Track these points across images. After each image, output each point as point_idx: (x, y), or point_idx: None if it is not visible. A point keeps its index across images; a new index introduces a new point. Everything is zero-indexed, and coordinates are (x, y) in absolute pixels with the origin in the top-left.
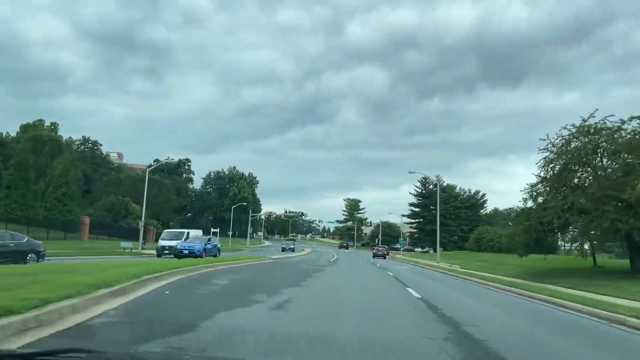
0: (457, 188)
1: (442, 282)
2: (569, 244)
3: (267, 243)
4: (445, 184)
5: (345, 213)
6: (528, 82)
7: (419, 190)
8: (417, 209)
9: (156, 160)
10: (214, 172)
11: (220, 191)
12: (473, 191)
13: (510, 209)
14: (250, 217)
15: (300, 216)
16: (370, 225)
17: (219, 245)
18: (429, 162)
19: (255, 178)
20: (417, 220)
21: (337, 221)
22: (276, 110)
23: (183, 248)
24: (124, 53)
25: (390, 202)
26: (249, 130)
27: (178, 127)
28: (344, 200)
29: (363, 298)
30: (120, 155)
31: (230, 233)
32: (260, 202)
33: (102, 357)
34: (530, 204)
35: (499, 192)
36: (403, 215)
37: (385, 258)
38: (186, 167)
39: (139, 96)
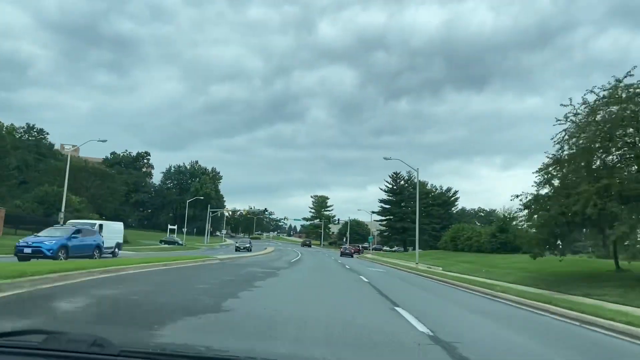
0: (428, 185)
1: (439, 294)
2: (592, 242)
3: (228, 241)
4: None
5: (313, 210)
6: (492, 86)
7: (390, 186)
8: (387, 206)
9: (113, 154)
10: (174, 167)
11: (181, 186)
12: (444, 188)
13: (479, 208)
14: (209, 213)
15: (264, 213)
16: (338, 223)
17: (100, 241)
18: (396, 163)
19: (219, 173)
20: (387, 218)
21: (304, 219)
22: (244, 107)
23: (24, 245)
24: (88, 45)
25: (357, 202)
26: (216, 128)
27: (144, 122)
28: (311, 197)
29: (328, 338)
30: (76, 148)
31: (184, 229)
32: (224, 199)
33: (62, 338)
34: (546, 190)
35: (465, 193)
36: (373, 212)
37: (352, 257)
38: (145, 160)
39: (103, 90)
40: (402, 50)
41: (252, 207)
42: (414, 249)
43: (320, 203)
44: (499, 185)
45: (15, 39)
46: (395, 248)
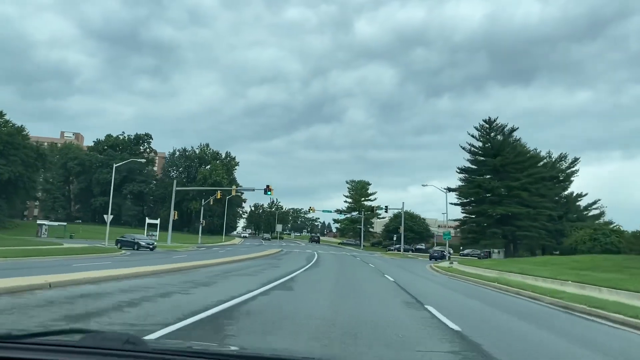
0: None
1: None
2: None
3: (237, 241)
4: (515, 137)
5: (349, 200)
6: (540, 80)
7: (478, 146)
8: (472, 177)
9: (108, 136)
10: (179, 150)
11: (189, 175)
12: (555, 155)
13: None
14: (202, 205)
15: (280, 209)
16: (384, 217)
17: None
18: (437, 163)
19: (234, 159)
20: (468, 202)
21: (337, 211)
22: (282, 110)
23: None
24: (130, 52)
25: (397, 204)
26: (254, 131)
27: (184, 127)
28: (347, 183)
29: None
30: (78, 136)
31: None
32: (241, 192)
33: (98, 336)
34: None
35: None
36: (449, 190)
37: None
38: (145, 144)
39: (145, 96)
40: (442, 45)
41: (275, 201)
42: (510, 253)
43: (359, 190)
44: None
45: (63, 48)
46: (480, 252)
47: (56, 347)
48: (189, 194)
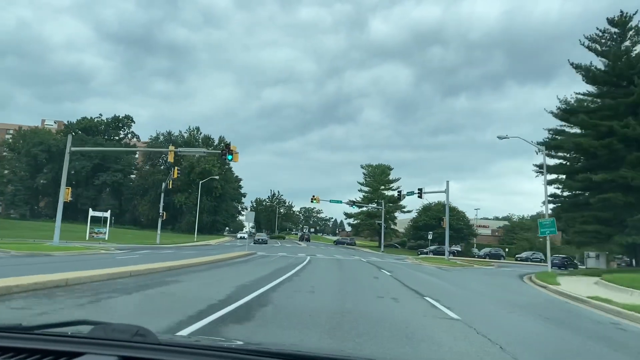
0: None
1: None
2: None
3: (215, 242)
4: None
5: (364, 189)
6: (560, 78)
7: (600, 69)
8: (591, 121)
9: (83, 119)
10: (163, 134)
11: (175, 162)
12: None
13: None
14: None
15: (281, 204)
16: (409, 211)
17: None
18: (453, 163)
19: (230, 144)
20: (579, 169)
21: (350, 202)
22: (297, 111)
23: None
24: (145, 54)
25: (416, 203)
26: (269, 132)
27: (199, 128)
28: (362, 167)
29: None
30: (60, 125)
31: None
32: (241, 186)
33: (107, 328)
34: None
35: (528, 194)
36: (545, 147)
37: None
38: (126, 128)
39: (160, 98)
40: (459, 44)
41: (274, 194)
42: None
43: (378, 176)
44: None
45: (79, 51)
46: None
47: (65, 338)
48: (175, 185)
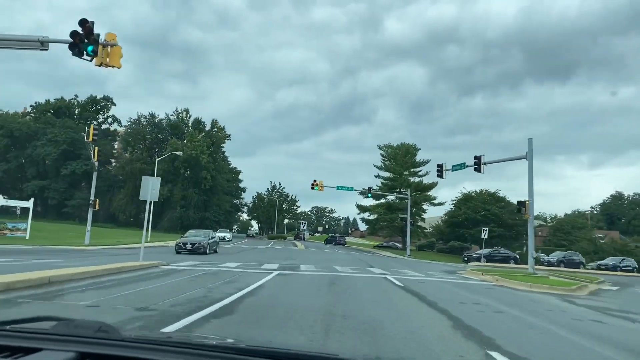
0: None
1: None
2: None
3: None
4: None
5: (383, 174)
6: (579, 77)
7: None
8: None
9: (58, 99)
10: (146, 116)
11: (159, 149)
12: None
13: None
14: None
15: (285, 196)
16: (441, 203)
17: None
18: (469, 164)
19: (224, 129)
20: None
21: (365, 191)
22: (311, 111)
23: None
24: (160, 57)
25: (446, 197)
26: (283, 133)
27: (189, 110)
28: (380, 148)
29: None
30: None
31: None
32: (240, 178)
33: (71, 324)
34: None
35: (546, 195)
36: None
37: None
38: (104, 111)
39: (176, 100)
40: (475, 42)
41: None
42: None
43: (401, 158)
44: (585, 185)
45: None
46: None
47: (24, 334)
48: (153, 175)
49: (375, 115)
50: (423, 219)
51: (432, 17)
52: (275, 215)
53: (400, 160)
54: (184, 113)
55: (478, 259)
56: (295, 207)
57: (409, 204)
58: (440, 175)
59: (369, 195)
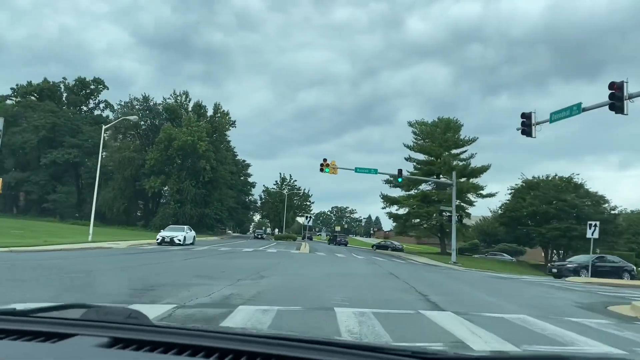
0: None
1: None
2: None
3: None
4: None
5: (415, 157)
6: (608, 74)
7: None
8: None
9: (44, 81)
10: (138, 100)
11: (154, 136)
12: None
13: None
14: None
15: (296, 190)
16: (492, 195)
17: None
18: (494, 165)
19: (228, 115)
20: None
21: (391, 180)
22: (332, 112)
23: None
24: (182, 59)
25: (497, 187)
26: (305, 135)
27: (236, 132)
28: (411, 125)
29: None
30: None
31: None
32: (249, 172)
33: (101, 310)
34: None
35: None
36: None
37: None
38: (94, 93)
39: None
40: (500, 41)
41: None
42: None
43: (440, 136)
44: (615, 187)
45: (119, 57)
46: None
47: (58, 320)
48: (145, 165)
49: (397, 116)
50: (468, 215)
51: (455, 16)
52: (284, 211)
53: (438, 139)
54: (183, 96)
55: (575, 272)
56: (308, 203)
57: (454, 192)
58: (527, 132)
59: (400, 179)
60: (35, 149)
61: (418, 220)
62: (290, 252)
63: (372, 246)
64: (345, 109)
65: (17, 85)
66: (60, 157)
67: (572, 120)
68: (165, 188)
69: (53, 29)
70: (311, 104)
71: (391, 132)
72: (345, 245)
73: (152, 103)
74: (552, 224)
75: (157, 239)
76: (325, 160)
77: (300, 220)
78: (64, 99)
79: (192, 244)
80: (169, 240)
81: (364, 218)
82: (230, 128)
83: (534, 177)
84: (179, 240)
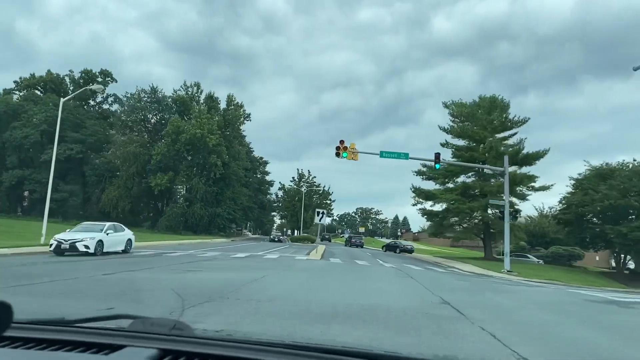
0: None
1: None
2: None
3: (168, 243)
4: None
5: (453, 142)
6: None
7: None
8: None
9: (48, 72)
10: (145, 91)
11: (160, 132)
12: None
13: None
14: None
15: (315, 187)
16: (547, 187)
17: None
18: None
19: (242, 107)
20: None
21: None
22: (356, 114)
23: None
24: (208, 63)
25: (555, 178)
26: (329, 136)
27: (262, 135)
28: (447, 107)
29: None
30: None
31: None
32: (266, 169)
33: (147, 321)
34: None
35: None
36: None
37: None
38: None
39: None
40: (528, 38)
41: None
42: None
43: (483, 116)
44: None
45: (147, 62)
46: None
47: (107, 331)
48: (150, 160)
49: (422, 117)
50: (519, 212)
51: (481, 14)
52: (302, 210)
53: (481, 120)
54: (195, 88)
55: None
56: (328, 202)
57: (506, 182)
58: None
59: (437, 166)
60: (37, 144)
61: (456, 218)
62: (295, 258)
63: (382, 247)
64: (370, 110)
65: (20, 78)
66: (62, 153)
67: (603, 119)
68: (180, 187)
69: (84, 36)
70: (336, 105)
71: (416, 133)
72: (361, 246)
73: (160, 95)
74: (632, 221)
75: (50, 245)
76: (342, 142)
77: (316, 219)
78: (69, 92)
79: (125, 251)
80: (68, 246)
81: (390, 219)
82: (245, 121)
83: (604, 163)
84: (86, 247)
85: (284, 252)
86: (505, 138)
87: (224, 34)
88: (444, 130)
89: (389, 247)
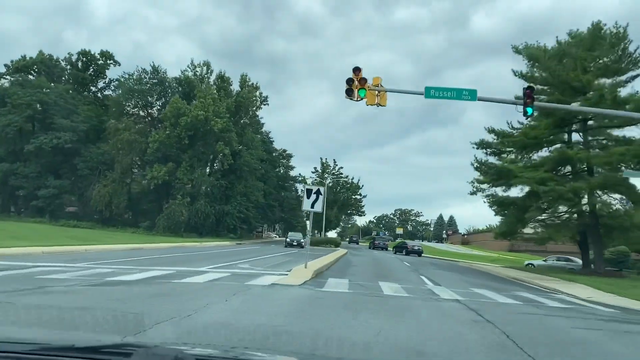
0: None
1: None
2: None
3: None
4: None
5: (546, 91)
6: None
7: None
8: None
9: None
10: (146, 71)
11: (160, 121)
12: None
13: None
14: None
15: (343, 180)
16: None
17: None
18: None
19: (258, 88)
20: None
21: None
22: (395, 115)
23: None
24: (246, 68)
25: None
26: (367, 138)
27: (298, 139)
28: (517, 51)
29: None
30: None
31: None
32: (291, 164)
33: (149, 352)
34: None
35: None
36: None
37: None
38: (102, 71)
39: (262, 110)
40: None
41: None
42: None
43: (582, 53)
44: None
45: (187, 68)
46: None
47: None
48: (147, 150)
49: (463, 116)
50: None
51: (523, 10)
52: (324, 207)
53: (580, 60)
54: (204, 68)
55: None
56: (358, 196)
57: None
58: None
59: (530, 110)
60: (18, 131)
61: (549, 208)
62: (245, 284)
63: (392, 248)
64: (409, 111)
65: (11, 61)
66: (48, 143)
67: None
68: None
69: (127, 44)
70: (374, 107)
71: (457, 133)
72: (385, 249)
73: (163, 75)
74: None
75: None
76: (357, 71)
77: (305, 203)
78: (66, 76)
79: None
80: None
81: (433, 220)
82: (262, 105)
83: None
84: None
85: (260, 264)
86: (621, 84)
87: (261, 38)
88: (522, 76)
89: (397, 249)
